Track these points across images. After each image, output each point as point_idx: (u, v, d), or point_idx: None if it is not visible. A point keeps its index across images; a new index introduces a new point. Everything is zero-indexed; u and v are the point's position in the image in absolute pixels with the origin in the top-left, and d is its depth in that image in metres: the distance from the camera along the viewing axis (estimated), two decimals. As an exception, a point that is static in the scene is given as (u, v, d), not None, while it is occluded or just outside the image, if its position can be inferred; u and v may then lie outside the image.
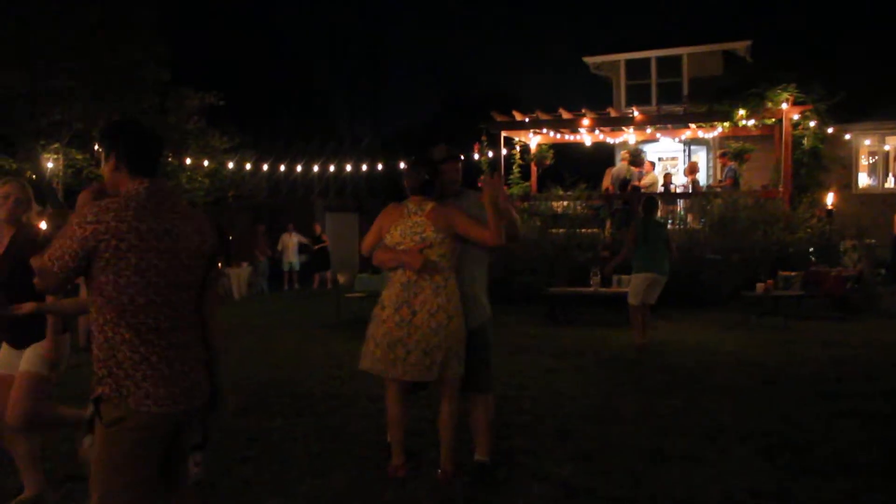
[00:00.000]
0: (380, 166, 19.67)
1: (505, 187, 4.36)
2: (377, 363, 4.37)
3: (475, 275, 4.43)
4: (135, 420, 2.57)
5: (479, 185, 4.30)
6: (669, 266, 8.70)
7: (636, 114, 14.91)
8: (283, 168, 18.01)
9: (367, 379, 7.41)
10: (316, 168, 18.92)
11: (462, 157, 4.63)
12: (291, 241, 20.79)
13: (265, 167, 17.83)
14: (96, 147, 2.85)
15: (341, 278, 13.86)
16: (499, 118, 15.70)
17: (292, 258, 20.83)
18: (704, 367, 7.49)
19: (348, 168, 18.98)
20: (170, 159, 15.90)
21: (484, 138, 16.05)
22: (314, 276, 20.60)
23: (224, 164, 17.04)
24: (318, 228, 21.37)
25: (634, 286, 8.72)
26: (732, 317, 11.12)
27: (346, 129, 36.15)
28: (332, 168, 18.74)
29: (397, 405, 4.49)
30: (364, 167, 19.55)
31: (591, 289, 11.54)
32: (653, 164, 16.71)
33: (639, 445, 4.96)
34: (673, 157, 20.70)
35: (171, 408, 2.62)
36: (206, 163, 16.53)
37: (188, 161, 16.12)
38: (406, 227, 4.31)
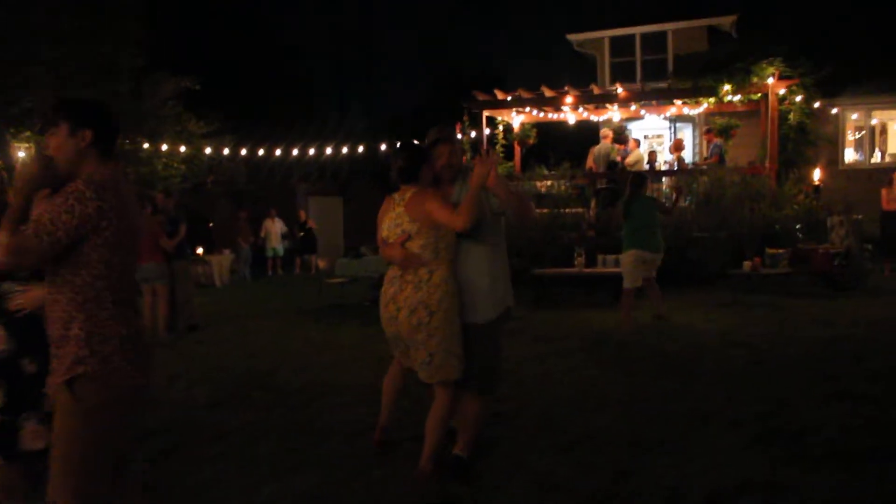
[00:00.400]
0: (360, 149, 19.32)
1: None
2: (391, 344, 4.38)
3: (482, 264, 4.04)
4: (119, 394, 2.67)
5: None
6: (662, 243, 8.66)
7: (620, 90, 14.64)
8: (262, 152, 17.64)
9: (343, 367, 7.22)
10: (295, 152, 18.54)
11: (457, 138, 4.36)
12: (274, 227, 20.53)
13: (243, 152, 17.43)
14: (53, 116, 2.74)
15: (322, 263, 13.60)
16: (481, 97, 15.39)
17: (275, 244, 20.58)
18: (693, 350, 7.28)
19: (328, 151, 18.59)
20: (146, 146, 15.50)
21: (466, 118, 15.75)
22: (296, 261, 20.33)
23: (201, 150, 16.65)
24: (302, 214, 21.09)
25: (625, 265, 8.70)
26: (720, 295, 10.93)
27: (332, 114, 35.76)
28: (311, 151, 18.33)
29: (391, 380, 4.75)
30: (345, 150, 19.19)
31: (576, 269, 11.32)
32: (638, 142, 16.47)
33: (624, 434, 4.75)
34: (659, 134, 20.49)
35: (148, 379, 2.78)
36: (182, 148, 16.12)
37: (164, 147, 15.73)
38: (391, 220, 4.11)
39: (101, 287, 2.64)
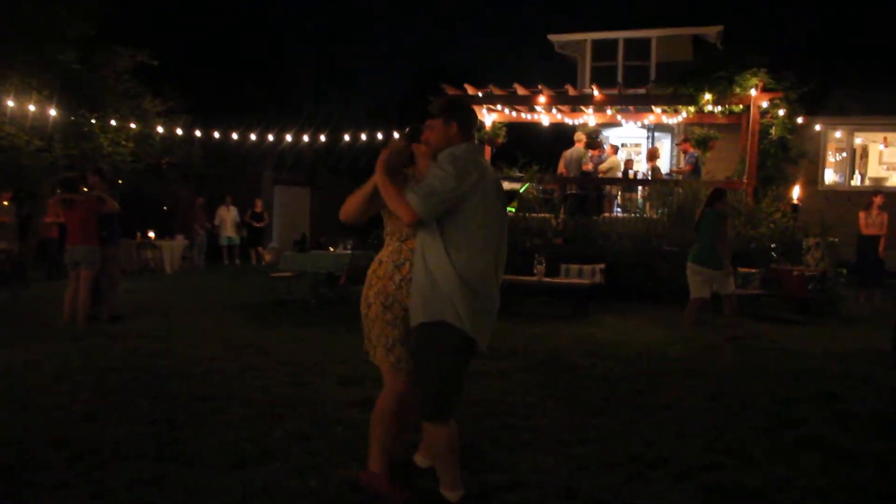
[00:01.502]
0: (330, 138, 18.40)
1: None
2: None
3: (428, 259, 3.39)
4: None
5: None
6: (715, 259, 8.58)
7: (595, 92, 13.91)
8: (224, 136, 16.66)
9: (259, 375, 6.41)
10: (259, 137, 17.59)
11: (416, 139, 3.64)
12: (229, 215, 19.64)
13: (197, 133, 16.48)
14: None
15: (268, 256, 12.75)
16: (450, 91, 14.61)
17: (230, 233, 19.70)
18: (647, 377, 6.54)
19: (298, 139, 17.68)
20: (93, 121, 14.53)
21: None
22: (250, 252, 19.44)
23: (153, 128, 15.67)
24: (258, 204, 20.20)
25: (688, 276, 8.85)
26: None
27: (307, 101, 34.81)
28: (275, 138, 17.40)
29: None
30: (314, 139, 18.28)
31: (535, 278, 10.57)
32: (615, 149, 15.76)
33: (553, 482, 3.99)
34: (637, 143, 19.88)
35: None
36: (132, 125, 15.15)
37: (113, 123, 14.75)
38: None
39: None
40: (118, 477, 4.03)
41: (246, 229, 19.97)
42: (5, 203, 14.28)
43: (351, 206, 3.66)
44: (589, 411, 5.34)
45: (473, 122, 3.56)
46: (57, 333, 8.40)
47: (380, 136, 16.71)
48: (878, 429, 5.08)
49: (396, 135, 14.50)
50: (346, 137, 17.96)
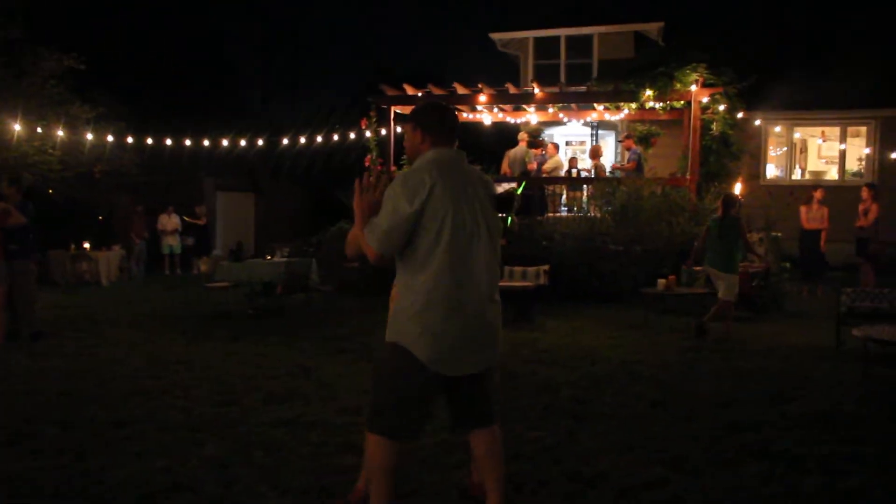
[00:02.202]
0: (271, 142, 17.93)
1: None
2: None
3: (398, 280, 3.23)
4: None
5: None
6: (735, 264, 8.82)
7: (536, 91, 13.73)
8: (157, 142, 16.08)
9: (182, 395, 6.03)
10: (208, 143, 17.02)
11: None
12: (171, 223, 19.01)
13: (129, 139, 15.87)
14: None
15: (203, 265, 12.26)
16: (390, 92, 14.30)
17: (172, 241, 19.06)
18: (589, 383, 6.32)
19: (241, 144, 17.16)
20: (17, 127, 13.83)
21: (373, 114, 14.60)
22: (192, 262, 18.83)
23: (82, 135, 15.01)
24: (199, 210, 19.60)
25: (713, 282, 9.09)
26: (631, 315, 10.12)
27: (252, 105, 34.12)
28: (221, 143, 16.85)
29: None
30: (260, 143, 17.77)
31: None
32: (557, 147, 15.63)
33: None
34: (581, 140, 19.84)
35: None
36: (60, 133, 14.48)
37: (38, 130, 14.07)
38: None
39: None
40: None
41: (192, 238, 19.37)
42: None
43: (352, 243, 3.32)
44: (526, 424, 5.08)
45: (441, 126, 3.24)
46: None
47: (319, 139, 16.30)
48: (823, 430, 4.94)
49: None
50: (287, 141, 17.53)
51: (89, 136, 15.07)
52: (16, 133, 13.69)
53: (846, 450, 4.53)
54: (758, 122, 16.13)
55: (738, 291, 10.63)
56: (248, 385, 6.33)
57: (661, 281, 10.44)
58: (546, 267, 11.33)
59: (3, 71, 14.19)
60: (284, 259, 11.05)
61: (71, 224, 18.27)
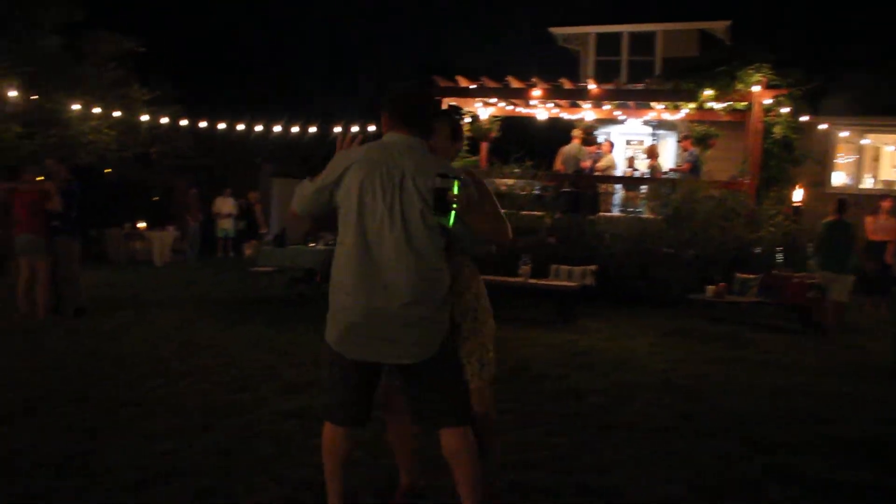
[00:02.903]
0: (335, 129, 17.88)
1: None
2: None
3: None
4: None
5: None
6: (852, 266, 9.24)
7: (591, 86, 13.37)
8: (206, 125, 16.24)
9: (203, 379, 5.97)
10: (260, 129, 17.13)
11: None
12: (226, 206, 19.21)
13: (184, 122, 16.06)
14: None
15: (249, 250, 12.33)
16: (442, 83, 14.11)
17: (226, 225, 19.27)
18: (618, 392, 6.04)
19: (297, 130, 17.22)
20: (77, 106, 14.11)
21: (426, 105, 14.39)
22: (243, 246, 19.02)
23: (137, 117, 15.25)
24: (252, 196, 19.77)
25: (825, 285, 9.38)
26: (677, 322, 9.73)
27: (309, 91, 34.31)
28: (283, 129, 16.91)
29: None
30: (316, 130, 17.81)
31: (520, 279, 10.07)
32: (612, 145, 15.24)
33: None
34: (640, 140, 19.30)
35: None
36: (116, 113, 14.73)
37: (96, 110, 14.33)
38: None
39: None
40: (3, 491, 3.64)
41: (245, 222, 19.56)
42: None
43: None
44: (545, 430, 4.86)
45: (395, 111, 3.07)
46: (14, 327, 8.07)
47: (372, 128, 16.21)
48: (862, 456, 4.59)
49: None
50: (341, 129, 17.46)
51: (145, 118, 15.28)
52: (74, 113, 13.95)
53: (891, 482, 4.18)
54: (824, 127, 15.39)
55: (793, 303, 10.24)
56: (269, 373, 6.26)
57: (711, 287, 10.08)
58: (594, 267, 11.03)
59: (64, 52, 14.47)
60: (326, 247, 10.99)
61: (126, 203, 18.67)
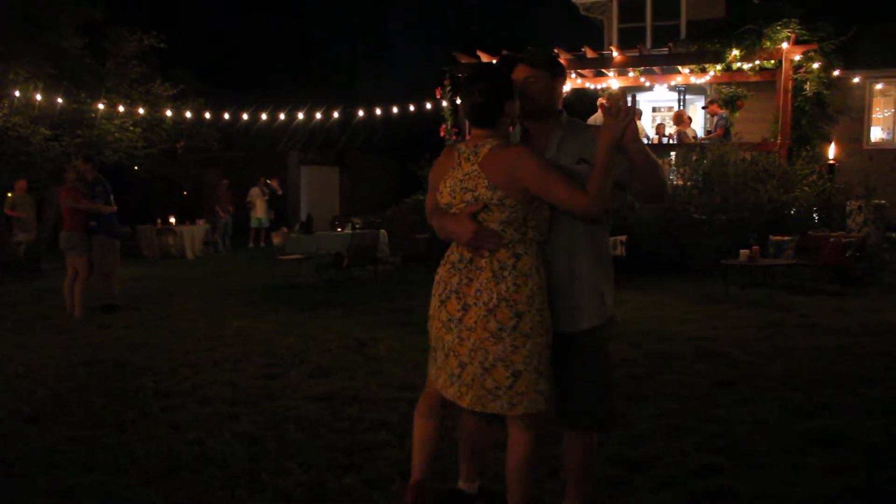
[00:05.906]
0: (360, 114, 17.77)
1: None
2: (433, 367, 3.05)
3: (579, 249, 2.88)
4: None
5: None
6: None
7: (615, 54, 13.11)
8: (242, 117, 16.21)
9: (224, 368, 5.97)
10: (283, 117, 17.08)
11: (553, 66, 2.95)
12: (261, 197, 19.28)
13: (206, 115, 16.08)
14: None
15: (276, 238, 12.35)
16: (464, 60, 13.96)
17: (261, 215, 19.35)
18: (652, 360, 5.93)
19: (324, 117, 17.14)
20: (101, 106, 14.20)
21: (447, 83, 14.29)
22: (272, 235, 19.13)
23: (162, 112, 15.30)
24: (274, 184, 19.81)
25: None
26: (711, 288, 9.55)
27: (336, 77, 34.23)
28: (307, 116, 16.83)
29: (424, 421, 3.15)
30: (343, 116, 17.72)
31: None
32: (640, 113, 14.96)
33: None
34: (669, 106, 18.94)
35: None
36: (141, 111, 14.79)
37: (121, 109, 14.41)
38: (455, 182, 2.86)
39: None
40: (35, 487, 3.67)
41: (274, 212, 19.62)
42: (20, 195, 14.08)
43: (606, 192, 2.88)
44: (575, 403, 4.76)
45: None
46: (53, 324, 8.20)
47: (411, 108, 16.04)
48: (908, 417, 4.43)
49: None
50: (378, 112, 17.27)
51: (169, 113, 15.34)
52: (99, 112, 14.05)
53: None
54: (857, 80, 14.91)
55: (830, 263, 9.95)
56: (298, 359, 6.24)
57: (744, 252, 9.81)
58: (623, 237, 10.84)
59: (86, 52, 14.53)
60: (352, 232, 10.97)
61: (157, 199, 18.84)
